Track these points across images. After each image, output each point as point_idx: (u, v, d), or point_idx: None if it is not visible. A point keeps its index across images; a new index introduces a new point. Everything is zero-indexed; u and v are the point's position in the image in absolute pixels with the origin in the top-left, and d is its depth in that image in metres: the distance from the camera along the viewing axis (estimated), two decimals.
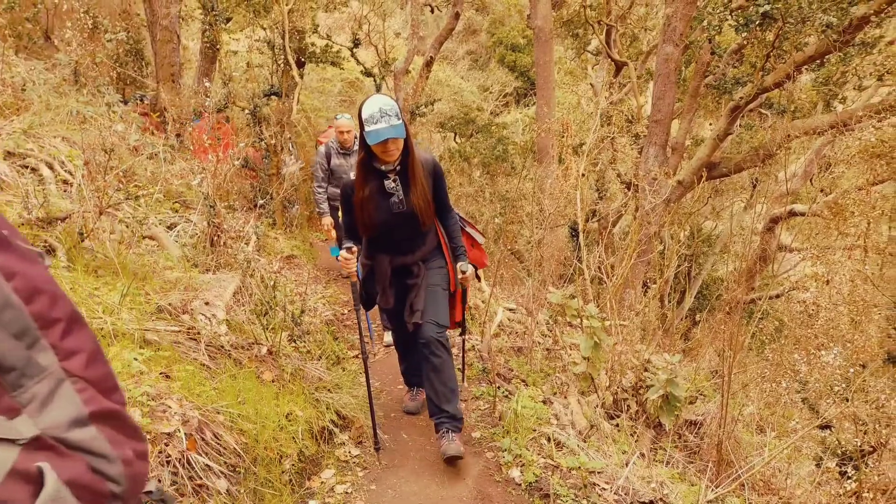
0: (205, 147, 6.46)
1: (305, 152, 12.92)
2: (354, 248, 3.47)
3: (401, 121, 3.09)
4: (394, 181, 3.29)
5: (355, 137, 5.78)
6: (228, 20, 10.71)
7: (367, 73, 13.30)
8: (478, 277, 4.50)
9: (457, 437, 3.49)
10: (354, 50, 13.22)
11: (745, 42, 9.03)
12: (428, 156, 3.46)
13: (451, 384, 3.50)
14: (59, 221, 3.94)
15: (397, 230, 3.42)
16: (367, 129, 3.05)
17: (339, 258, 3.51)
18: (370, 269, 3.59)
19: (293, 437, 3.30)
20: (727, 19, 8.05)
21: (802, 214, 10.40)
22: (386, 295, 3.55)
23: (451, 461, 3.44)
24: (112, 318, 3.06)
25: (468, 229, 3.90)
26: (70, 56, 7.56)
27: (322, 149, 6.08)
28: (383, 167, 3.26)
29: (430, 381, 3.49)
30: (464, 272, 3.59)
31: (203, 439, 2.70)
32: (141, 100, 8.65)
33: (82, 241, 3.87)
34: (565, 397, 4.62)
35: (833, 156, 10.70)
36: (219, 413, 2.87)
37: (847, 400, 4.54)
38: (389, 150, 3.15)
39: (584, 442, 3.91)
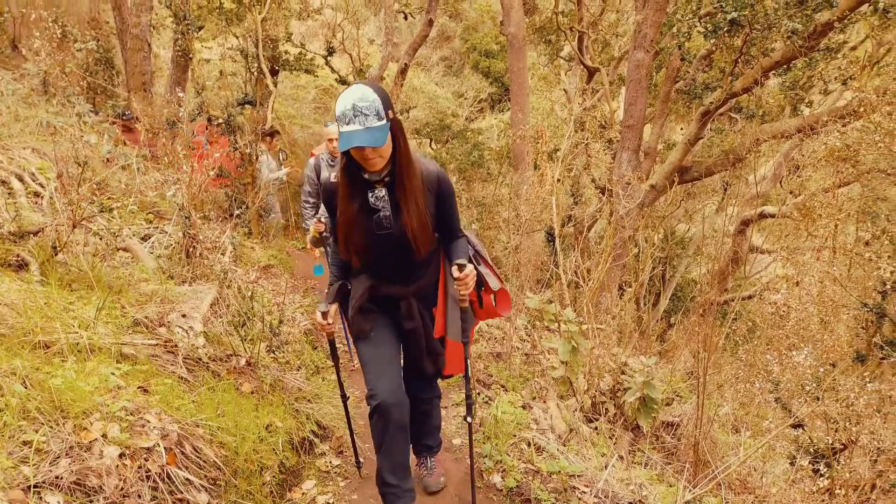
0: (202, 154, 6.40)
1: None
2: (331, 309, 2.83)
3: (384, 121, 2.39)
4: (380, 194, 2.62)
5: None
6: (200, 28, 10.64)
7: (342, 81, 13.30)
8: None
9: (437, 463, 3.45)
10: (329, 58, 13.20)
11: (713, 48, 9.20)
12: (432, 166, 2.72)
13: (436, 421, 3.38)
14: (32, 235, 3.89)
15: (383, 256, 2.74)
16: (340, 130, 2.42)
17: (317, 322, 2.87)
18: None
19: (273, 449, 3.29)
20: (696, 26, 8.21)
21: (773, 216, 10.60)
22: (356, 323, 2.85)
23: (433, 494, 3.37)
24: (88, 333, 3.03)
25: (482, 268, 2.96)
26: (39, 66, 7.46)
27: (311, 161, 5.59)
28: (367, 175, 2.57)
29: (415, 421, 3.18)
30: (461, 267, 2.66)
31: (183, 453, 2.68)
32: (123, 115, 8.37)
33: (56, 254, 3.81)
34: (544, 402, 4.67)
35: (801, 159, 10.93)
36: (198, 426, 2.85)
37: (818, 399, 4.64)
38: (369, 159, 2.46)
39: (564, 446, 3.95)
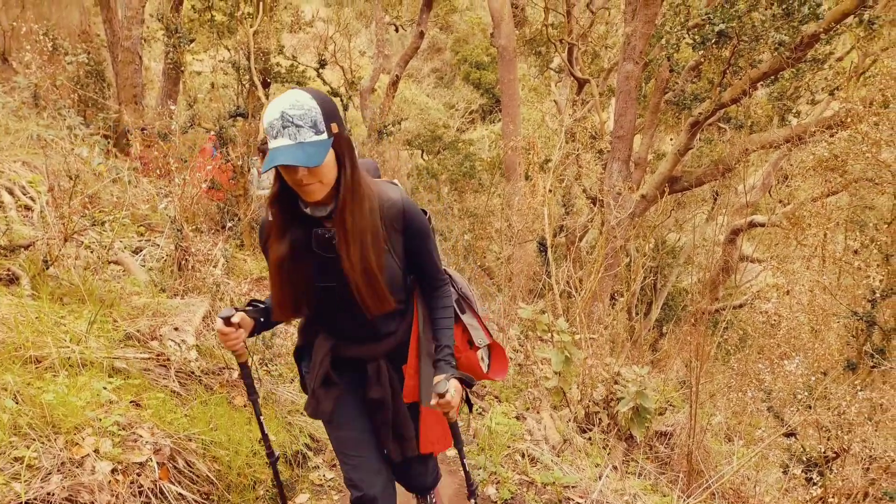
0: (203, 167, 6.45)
1: None
2: (236, 317, 2.07)
3: (323, 135, 1.78)
4: (325, 234, 1.97)
5: None
6: (192, 41, 10.66)
7: (334, 93, 13.33)
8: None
9: (435, 495, 3.32)
10: (320, 70, 13.24)
11: (702, 59, 9.30)
12: (395, 195, 2.05)
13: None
14: (23, 249, 3.87)
15: (335, 311, 2.12)
16: (269, 146, 1.81)
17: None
18: (306, 345, 2.29)
19: (266, 463, 3.27)
20: (685, 38, 8.29)
21: (762, 225, 10.68)
22: (317, 399, 2.19)
23: None
24: (80, 347, 3.02)
25: (466, 317, 2.44)
26: (29, 79, 7.45)
27: None
28: (308, 210, 1.95)
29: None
30: (440, 395, 2.00)
31: (175, 468, 2.67)
32: (142, 129, 7.99)
33: (47, 268, 3.80)
34: (538, 412, 4.67)
35: (790, 168, 11.03)
36: (191, 440, 2.84)
37: (810, 407, 4.67)
38: (303, 185, 1.82)
39: (558, 456, 3.95)
